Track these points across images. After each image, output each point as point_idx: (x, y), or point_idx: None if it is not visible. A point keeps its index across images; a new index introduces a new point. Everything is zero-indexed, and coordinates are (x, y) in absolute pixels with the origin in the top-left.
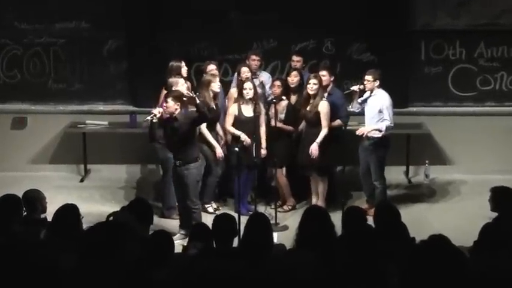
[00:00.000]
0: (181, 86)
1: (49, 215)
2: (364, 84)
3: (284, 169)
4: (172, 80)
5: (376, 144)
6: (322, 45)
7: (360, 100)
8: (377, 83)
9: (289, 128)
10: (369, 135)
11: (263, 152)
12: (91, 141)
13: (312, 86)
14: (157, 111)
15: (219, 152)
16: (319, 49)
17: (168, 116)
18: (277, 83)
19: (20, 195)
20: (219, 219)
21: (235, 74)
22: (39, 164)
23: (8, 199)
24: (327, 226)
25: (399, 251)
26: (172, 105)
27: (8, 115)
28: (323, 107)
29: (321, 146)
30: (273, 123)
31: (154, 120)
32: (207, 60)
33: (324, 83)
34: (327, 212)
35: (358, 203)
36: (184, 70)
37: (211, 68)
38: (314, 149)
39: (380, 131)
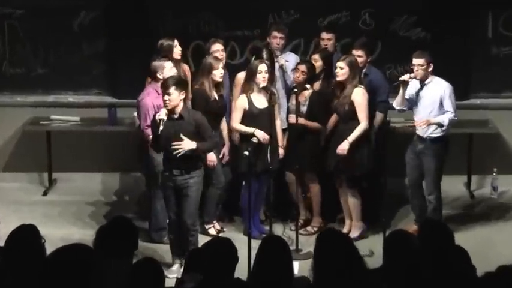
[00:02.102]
0: (169, 71)
1: (1, 239)
2: (414, 72)
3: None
4: (156, 63)
5: (435, 146)
6: (358, 19)
7: (408, 95)
8: (431, 67)
9: (315, 124)
10: (425, 134)
11: (280, 152)
12: (57, 143)
13: (338, 71)
14: (164, 114)
15: (211, 156)
16: (354, 23)
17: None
18: (302, 67)
19: None
20: (211, 244)
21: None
22: None
23: None
24: (347, 257)
25: (454, 286)
26: (176, 97)
27: None
28: (358, 94)
29: (356, 146)
30: (292, 119)
31: (161, 127)
32: (208, 37)
33: (360, 65)
34: (344, 236)
35: (405, 223)
36: (177, 50)
37: (216, 48)
38: (342, 148)
39: (441, 126)
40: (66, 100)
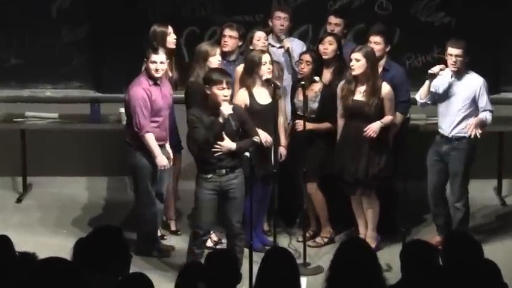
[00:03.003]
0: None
1: None
2: (448, 62)
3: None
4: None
5: (462, 146)
6: (373, 2)
7: (433, 88)
8: (467, 58)
9: (326, 126)
10: (450, 133)
11: (282, 151)
12: (33, 143)
13: (353, 64)
14: (229, 109)
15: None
16: (369, 7)
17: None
18: (306, 57)
19: None
20: (211, 258)
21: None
22: None
23: None
24: (369, 269)
25: None
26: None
27: None
28: (386, 89)
29: (374, 147)
30: (300, 125)
31: (232, 123)
32: (203, 22)
33: (377, 54)
34: (369, 246)
35: (426, 233)
36: (170, 39)
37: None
38: (373, 129)
39: (483, 125)
40: (43, 94)
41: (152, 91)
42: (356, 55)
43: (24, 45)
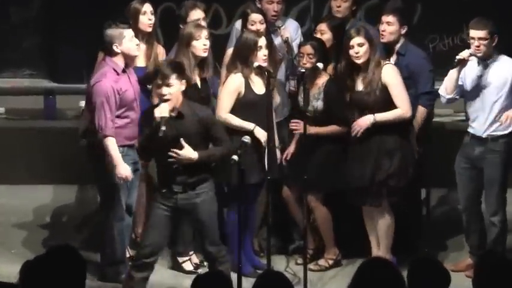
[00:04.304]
0: (130, 42)
1: None
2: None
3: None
4: (111, 31)
5: (499, 148)
6: None
7: (461, 76)
8: (495, 41)
9: (331, 129)
10: (484, 133)
11: (277, 155)
12: None
13: (356, 50)
14: (166, 110)
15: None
16: None
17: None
18: (307, 49)
19: None
20: (202, 282)
21: (236, 24)
22: None
23: None
24: None
25: None
26: (177, 89)
27: None
28: (389, 73)
29: (390, 149)
30: (300, 126)
31: (163, 128)
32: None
33: (388, 38)
34: (397, 269)
35: (455, 255)
36: (145, 19)
37: (197, 17)
38: (359, 124)
39: None
40: None
41: (121, 83)
42: (358, 39)
43: None
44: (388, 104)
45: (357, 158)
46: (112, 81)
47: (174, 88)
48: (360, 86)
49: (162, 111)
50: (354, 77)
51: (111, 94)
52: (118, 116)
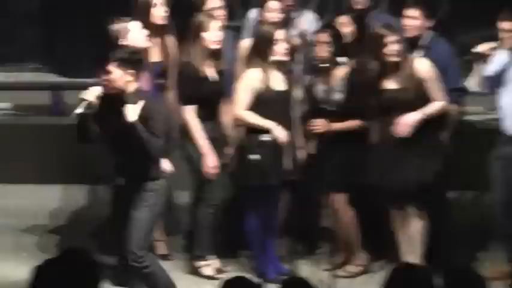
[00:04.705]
0: (136, 36)
1: None
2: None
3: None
4: (116, 27)
5: None
6: None
7: (490, 72)
8: None
9: (352, 124)
10: None
11: (300, 155)
12: None
13: (393, 48)
14: (92, 94)
15: (209, 164)
16: None
17: (112, 94)
18: (323, 37)
19: None
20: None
21: (249, 13)
22: None
23: None
24: None
25: None
26: (118, 77)
27: None
28: (424, 67)
29: (422, 149)
30: (320, 124)
31: (85, 111)
32: None
33: (412, 32)
34: (428, 276)
35: (491, 265)
36: (157, 12)
37: (213, 5)
38: (406, 123)
39: None
40: None
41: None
42: (393, 37)
43: None
44: (424, 100)
45: (392, 159)
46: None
47: (114, 75)
48: (392, 84)
49: (87, 93)
50: (384, 75)
51: None
52: None
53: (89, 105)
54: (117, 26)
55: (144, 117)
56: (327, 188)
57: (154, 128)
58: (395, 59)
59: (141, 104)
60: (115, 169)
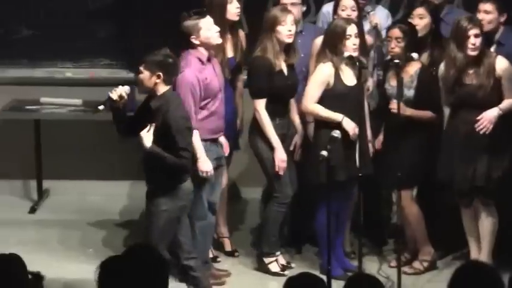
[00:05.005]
0: (208, 31)
1: None
2: None
3: (414, 191)
4: (188, 23)
5: None
6: None
7: None
8: None
9: (426, 114)
10: None
11: (369, 151)
12: (50, 137)
13: (473, 42)
14: (117, 93)
15: (280, 157)
16: None
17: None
18: (396, 32)
19: None
20: (294, 284)
21: (322, 8)
22: None
23: None
24: None
25: None
26: (147, 78)
27: None
28: (503, 64)
29: (499, 142)
30: (394, 106)
31: (108, 108)
32: None
33: (487, 27)
34: (497, 274)
35: None
36: (233, 8)
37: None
38: (488, 119)
39: None
40: (62, 75)
41: (206, 72)
42: (475, 30)
43: (38, 14)
44: (497, 96)
45: (462, 155)
46: (196, 70)
47: (143, 75)
48: (469, 79)
49: (114, 92)
50: (465, 68)
51: (195, 84)
52: (201, 108)
53: (113, 103)
54: (189, 22)
55: (164, 130)
56: (395, 183)
57: (181, 145)
58: (475, 53)
59: (154, 104)
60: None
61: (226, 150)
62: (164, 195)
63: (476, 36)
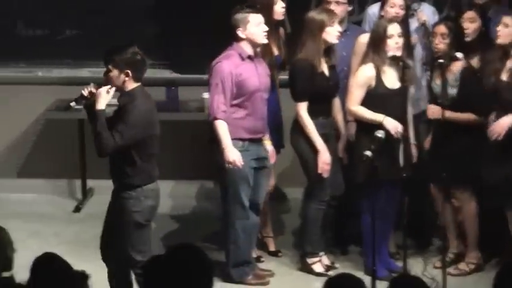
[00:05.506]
0: (255, 27)
1: (19, 273)
2: None
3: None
4: (238, 16)
5: None
6: None
7: None
8: None
9: (466, 116)
10: None
11: (413, 152)
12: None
13: (500, 30)
14: (88, 89)
15: (324, 160)
16: None
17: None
18: (441, 29)
19: None
20: (334, 285)
21: (368, 9)
22: None
23: None
24: None
25: None
26: (115, 76)
27: None
28: None
29: None
30: (434, 110)
31: (78, 105)
32: None
33: None
34: None
35: None
36: (279, 8)
37: None
38: (497, 130)
39: None
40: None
41: (244, 68)
42: (507, 19)
43: (82, 12)
44: None
45: (499, 156)
46: (232, 64)
47: (111, 74)
48: (504, 75)
49: (86, 89)
50: (500, 61)
51: (227, 76)
52: (237, 106)
53: (82, 99)
54: (239, 15)
55: (118, 116)
56: (444, 183)
57: (120, 130)
58: (498, 40)
59: (121, 100)
60: (110, 172)
61: (272, 159)
62: (129, 198)
63: (504, 25)
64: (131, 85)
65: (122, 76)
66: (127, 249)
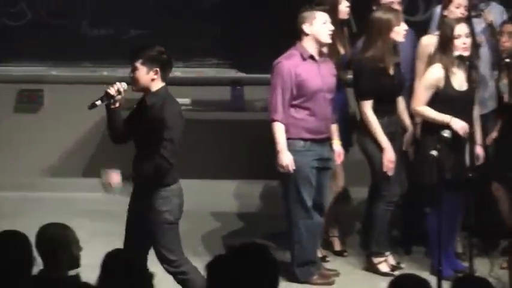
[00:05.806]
0: (320, 25)
1: (84, 271)
2: None
3: None
4: (304, 13)
5: None
6: None
7: None
8: None
9: None
10: None
11: (479, 152)
12: None
13: None
14: (114, 89)
15: (389, 157)
16: None
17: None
18: (509, 27)
19: (27, 233)
20: (399, 285)
21: (436, 8)
22: (62, 178)
23: (6, 240)
24: None
25: None
26: (144, 74)
27: (13, 86)
28: None
29: None
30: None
31: (104, 104)
32: None
33: None
34: None
35: None
36: (343, 8)
37: None
38: None
39: None
40: (171, 75)
41: (305, 69)
42: None
43: (147, 12)
44: None
45: None
46: (293, 64)
47: (139, 73)
48: None
49: (112, 88)
50: None
51: (287, 76)
52: (298, 106)
53: (109, 98)
54: (306, 12)
55: (150, 118)
56: (509, 182)
57: (167, 140)
58: None
59: (150, 100)
60: (133, 168)
61: (339, 159)
62: (159, 198)
63: None
64: (158, 84)
65: (151, 74)
66: (160, 250)
